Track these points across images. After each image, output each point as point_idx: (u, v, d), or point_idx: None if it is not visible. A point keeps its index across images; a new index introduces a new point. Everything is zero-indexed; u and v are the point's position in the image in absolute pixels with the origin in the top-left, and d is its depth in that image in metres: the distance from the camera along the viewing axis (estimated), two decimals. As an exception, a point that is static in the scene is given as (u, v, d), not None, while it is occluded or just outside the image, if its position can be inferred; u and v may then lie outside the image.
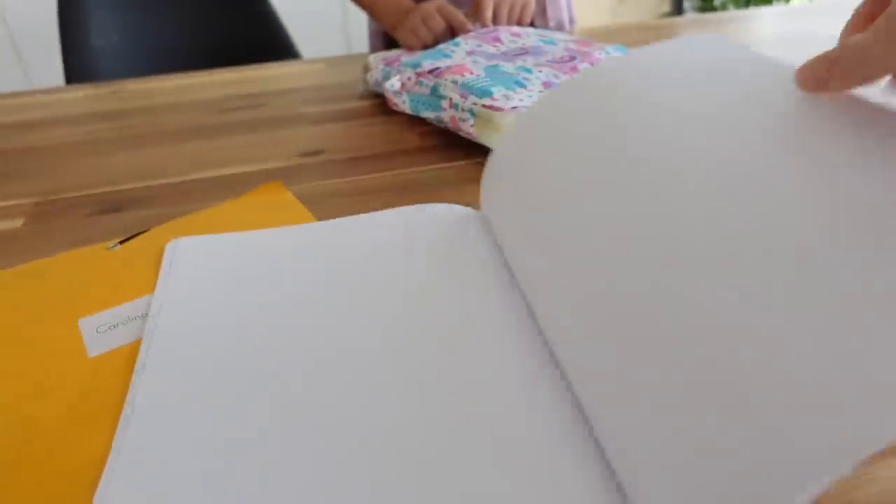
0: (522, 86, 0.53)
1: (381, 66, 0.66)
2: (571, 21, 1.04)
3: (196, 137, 0.64)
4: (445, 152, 0.57)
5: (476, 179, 0.52)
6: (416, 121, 0.64)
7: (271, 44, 1.24)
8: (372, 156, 0.58)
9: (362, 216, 0.44)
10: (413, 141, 0.60)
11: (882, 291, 0.19)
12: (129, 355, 0.33)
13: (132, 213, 0.50)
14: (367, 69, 0.70)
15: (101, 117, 0.71)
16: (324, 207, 0.49)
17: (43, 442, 0.28)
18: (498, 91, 0.52)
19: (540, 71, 0.56)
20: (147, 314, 0.36)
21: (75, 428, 0.29)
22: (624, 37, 0.94)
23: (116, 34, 1.11)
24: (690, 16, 2.81)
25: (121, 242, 0.43)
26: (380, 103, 0.70)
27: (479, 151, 0.56)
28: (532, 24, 0.99)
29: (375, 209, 0.46)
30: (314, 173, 0.55)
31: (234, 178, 0.55)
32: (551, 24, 1.01)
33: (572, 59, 0.59)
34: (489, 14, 0.76)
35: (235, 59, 1.12)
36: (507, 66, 0.57)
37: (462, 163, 0.55)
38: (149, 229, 0.45)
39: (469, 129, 0.53)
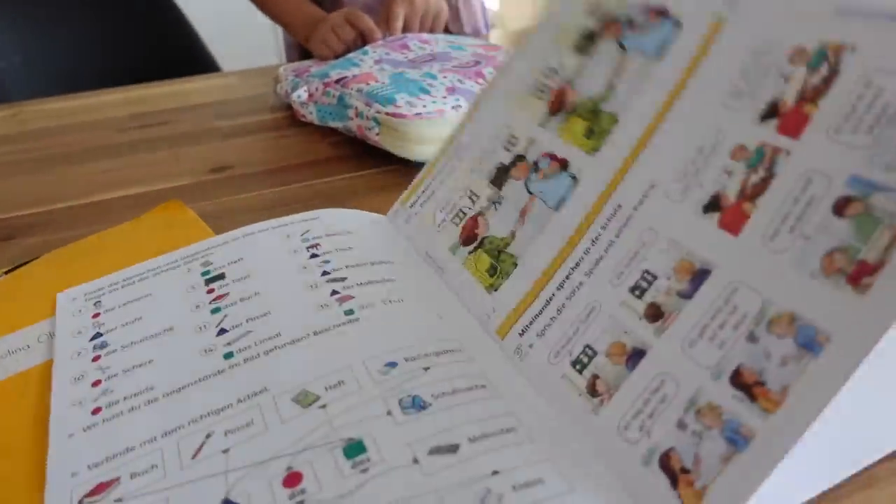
0: (427, 92, 0.54)
1: (290, 78, 0.65)
2: (487, 26, 1.06)
3: (99, 158, 0.61)
4: (356, 161, 0.57)
5: (385, 188, 0.52)
6: (327, 131, 0.64)
7: (189, 60, 1.21)
8: (281, 168, 0.57)
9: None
10: (324, 151, 0.60)
11: None
12: (11, 389, 0.31)
13: (27, 240, 0.48)
14: (277, 81, 0.69)
15: (-2, 142, 0.68)
16: (228, 223, 0.48)
17: None
18: (402, 98, 0.52)
19: (445, 76, 0.56)
20: (28, 346, 0.34)
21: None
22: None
23: (19, 55, 1.06)
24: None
25: (7, 272, 0.41)
26: (292, 115, 0.69)
27: (389, 159, 0.55)
28: (447, 31, 1.00)
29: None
30: (222, 189, 0.54)
31: (137, 197, 0.53)
32: (467, 29, 1.02)
33: (477, 63, 0.59)
34: (399, 24, 0.76)
35: (150, 77, 1.09)
36: (413, 73, 0.58)
37: (372, 171, 0.55)
38: (38, 256, 0.43)
39: (375, 137, 0.53)
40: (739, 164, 0.28)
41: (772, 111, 0.27)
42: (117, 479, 0.27)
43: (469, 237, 0.41)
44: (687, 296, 0.27)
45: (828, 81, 0.25)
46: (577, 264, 0.33)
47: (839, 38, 0.26)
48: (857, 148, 0.24)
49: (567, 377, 0.30)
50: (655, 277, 0.29)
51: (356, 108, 0.54)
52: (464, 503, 0.24)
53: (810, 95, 0.26)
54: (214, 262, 0.40)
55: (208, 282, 0.38)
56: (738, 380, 0.24)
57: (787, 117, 0.27)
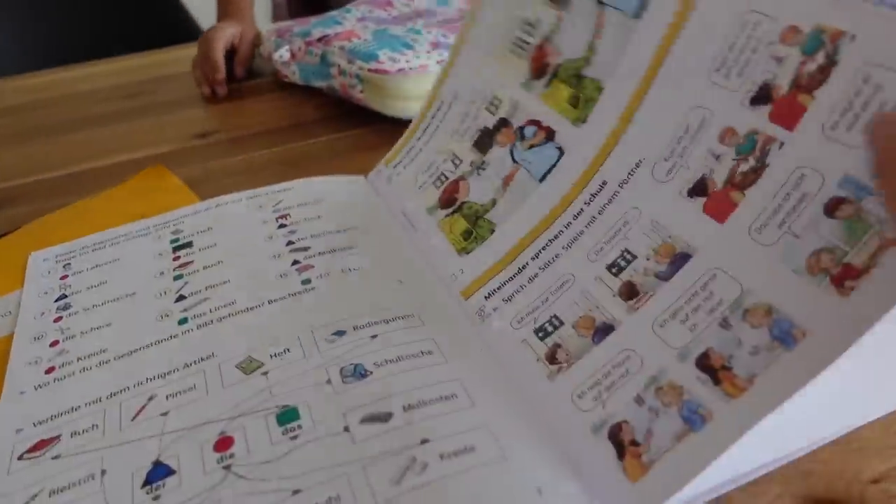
0: (410, 47, 0.52)
1: (273, 38, 0.64)
2: None
3: (82, 128, 0.61)
4: (341, 122, 0.56)
5: (371, 147, 0.51)
6: (313, 93, 0.62)
7: (176, 29, 1.18)
8: (266, 131, 0.56)
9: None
10: (309, 113, 0.59)
11: None
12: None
13: (12, 210, 0.47)
14: (260, 42, 0.67)
15: (-19, 117, 0.67)
16: (213, 187, 0.48)
17: None
18: (384, 54, 0.51)
19: (429, 32, 0.55)
20: (10, 313, 0.34)
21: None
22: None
23: (4, 34, 1.04)
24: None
25: (-11, 242, 0.41)
26: (277, 79, 0.68)
27: (375, 119, 0.54)
28: None
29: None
30: (205, 154, 0.53)
31: (120, 165, 0.53)
32: None
33: (462, 18, 0.58)
34: None
35: (137, 48, 1.07)
36: (397, 29, 0.56)
37: (358, 131, 0.54)
38: (19, 227, 0.43)
39: (359, 95, 0.52)
40: (729, 150, 0.27)
41: (764, 95, 0.26)
42: (58, 436, 0.27)
43: (448, 200, 0.40)
44: (664, 277, 0.27)
45: (824, 71, 0.24)
46: (557, 236, 0.33)
47: (837, 23, 0.24)
48: (852, 147, 0.22)
49: (527, 342, 0.29)
50: (635, 257, 0.28)
51: (339, 65, 0.53)
52: (387, 471, 0.24)
53: (806, 84, 0.24)
54: (184, 230, 0.40)
55: (176, 249, 0.38)
56: (704, 362, 0.23)
57: (781, 105, 0.25)
